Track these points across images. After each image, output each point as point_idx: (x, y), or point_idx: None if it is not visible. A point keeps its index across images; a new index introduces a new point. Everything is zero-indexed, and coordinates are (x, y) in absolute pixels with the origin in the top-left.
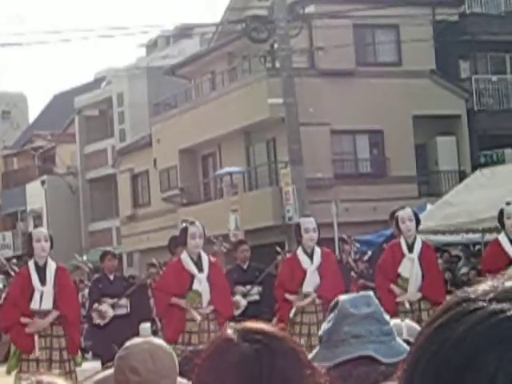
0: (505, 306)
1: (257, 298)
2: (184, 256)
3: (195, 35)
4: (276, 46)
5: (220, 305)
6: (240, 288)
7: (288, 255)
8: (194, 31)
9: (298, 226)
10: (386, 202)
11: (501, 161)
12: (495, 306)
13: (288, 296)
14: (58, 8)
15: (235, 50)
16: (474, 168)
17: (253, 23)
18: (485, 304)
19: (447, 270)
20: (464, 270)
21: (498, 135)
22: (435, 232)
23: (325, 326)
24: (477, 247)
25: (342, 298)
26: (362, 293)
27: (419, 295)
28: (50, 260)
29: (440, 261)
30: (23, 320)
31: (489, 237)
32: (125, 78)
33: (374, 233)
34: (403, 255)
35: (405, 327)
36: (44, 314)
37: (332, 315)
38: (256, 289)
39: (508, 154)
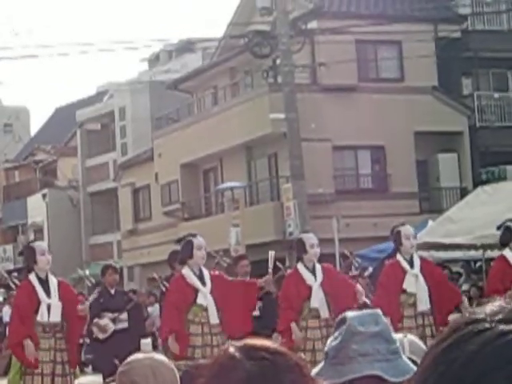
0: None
1: (257, 313)
2: (186, 271)
3: (198, 50)
4: (278, 61)
5: (228, 323)
6: None
7: (288, 271)
8: (196, 46)
9: (301, 241)
10: (387, 217)
11: (502, 178)
12: (504, 326)
13: (293, 327)
14: (61, 21)
15: (237, 64)
16: (476, 185)
17: (255, 38)
18: (493, 325)
19: None
20: (465, 286)
21: (499, 152)
22: (436, 248)
23: (331, 342)
24: (478, 264)
25: (350, 315)
26: (370, 310)
27: (428, 305)
28: (49, 273)
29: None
30: (26, 342)
31: (490, 253)
32: (127, 92)
33: (368, 248)
34: (405, 272)
35: (407, 343)
36: (53, 326)
37: (339, 332)
38: (258, 304)
39: (510, 171)
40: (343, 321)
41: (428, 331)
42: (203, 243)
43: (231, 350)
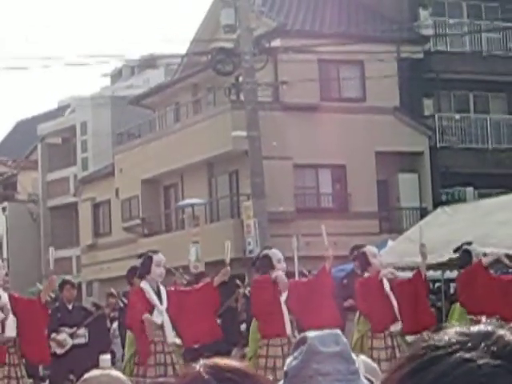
0: (472, 354)
1: None
2: (145, 285)
3: (160, 66)
4: (241, 78)
5: (191, 332)
6: None
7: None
8: (159, 62)
9: (267, 257)
10: (347, 237)
11: (462, 199)
12: (462, 354)
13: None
14: (23, 35)
15: (200, 81)
16: (436, 205)
17: (218, 55)
18: (453, 353)
19: None
20: None
21: (460, 173)
22: (396, 268)
23: (291, 361)
24: (436, 284)
25: (311, 334)
26: (330, 331)
27: (399, 326)
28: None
29: None
30: None
31: (449, 274)
32: (89, 107)
33: (333, 267)
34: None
35: (361, 363)
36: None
37: (298, 351)
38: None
39: (469, 193)
40: (303, 340)
41: (398, 352)
42: (163, 260)
43: (200, 369)
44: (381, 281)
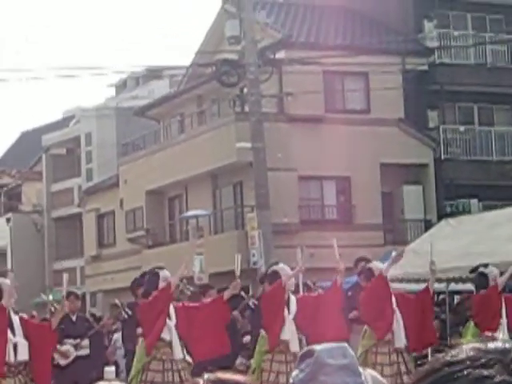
0: (490, 371)
1: None
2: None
3: (165, 77)
4: (246, 90)
5: (200, 348)
6: None
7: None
8: (164, 73)
9: (276, 272)
10: (351, 248)
11: (467, 211)
12: (480, 371)
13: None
14: (28, 46)
15: (205, 93)
16: (440, 217)
17: (223, 67)
18: (470, 369)
19: None
20: None
21: (464, 185)
22: (399, 280)
23: (297, 374)
24: (441, 297)
25: (318, 347)
26: (337, 343)
27: (404, 342)
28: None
29: None
30: None
31: (454, 286)
32: (93, 118)
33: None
34: None
35: (369, 376)
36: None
37: (305, 364)
38: None
39: (474, 205)
40: (310, 353)
41: (403, 368)
42: (168, 276)
43: (202, 383)
44: (386, 284)
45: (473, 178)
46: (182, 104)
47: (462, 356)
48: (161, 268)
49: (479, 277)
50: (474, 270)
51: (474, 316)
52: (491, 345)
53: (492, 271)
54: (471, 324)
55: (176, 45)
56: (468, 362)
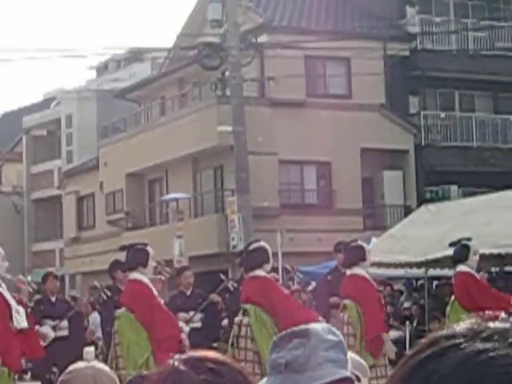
0: (491, 345)
1: (199, 325)
2: (145, 279)
3: (146, 59)
4: (227, 73)
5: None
6: (182, 315)
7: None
8: (145, 55)
9: (265, 250)
10: (330, 233)
11: (446, 197)
12: (482, 344)
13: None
14: (8, 27)
15: (186, 76)
16: (420, 203)
17: (205, 50)
18: (472, 341)
19: (389, 303)
20: (406, 304)
21: (444, 171)
22: (379, 265)
23: (288, 352)
24: (419, 282)
25: (313, 326)
26: (325, 324)
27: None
28: None
29: (382, 294)
30: None
31: (432, 272)
32: (74, 100)
33: (318, 264)
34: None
35: (349, 359)
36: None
37: (296, 342)
38: (198, 316)
39: (453, 191)
40: (302, 332)
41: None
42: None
43: (175, 362)
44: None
45: (453, 164)
46: (164, 87)
47: (462, 329)
48: (146, 245)
49: (461, 248)
50: (455, 243)
51: (457, 296)
52: (490, 322)
53: (474, 245)
54: (456, 303)
55: (158, 27)
56: (468, 336)
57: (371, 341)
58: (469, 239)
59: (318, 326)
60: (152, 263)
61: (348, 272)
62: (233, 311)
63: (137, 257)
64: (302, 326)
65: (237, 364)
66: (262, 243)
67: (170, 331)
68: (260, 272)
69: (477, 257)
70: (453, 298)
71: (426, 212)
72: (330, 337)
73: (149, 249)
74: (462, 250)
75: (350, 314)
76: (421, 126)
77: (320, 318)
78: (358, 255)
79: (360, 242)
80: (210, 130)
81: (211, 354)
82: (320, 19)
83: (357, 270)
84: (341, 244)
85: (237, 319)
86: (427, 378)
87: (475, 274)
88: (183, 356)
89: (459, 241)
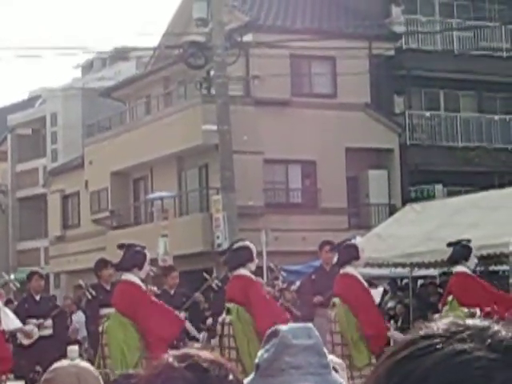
0: (469, 346)
1: None
2: (138, 281)
3: (132, 58)
4: (212, 72)
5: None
6: None
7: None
8: (130, 54)
9: (249, 249)
10: (315, 232)
11: (431, 196)
12: (459, 345)
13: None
14: None
15: (171, 74)
16: (404, 202)
17: (190, 49)
18: (449, 342)
19: None
20: (391, 303)
21: (429, 171)
22: (364, 265)
23: (262, 354)
24: (404, 281)
25: (284, 328)
26: (303, 324)
27: None
28: None
29: None
30: None
31: (417, 271)
32: (59, 98)
33: (303, 263)
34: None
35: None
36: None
37: (270, 344)
38: (182, 315)
39: (438, 190)
40: (275, 333)
41: None
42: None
43: (169, 359)
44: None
45: (438, 163)
46: (149, 85)
47: (440, 330)
48: (144, 247)
49: (462, 248)
50: (455, 243)
51: (453, 292)
52: (470, 321)
53: (473, 247)
54: (454, 302)
55: (143, 26)
56: (445, 336)
57: (371, 338)
58: (469, 240)
59: (290, 328)
60: (147, 267)
61: (341, 271)
62: (217, 310)
63: (134, 258)
64: (275, 327)
65: (229, 364)
66: (247, 242)
67: (169, 330)
68: (244, 271)
69: (475, 259)
70: (450, 297)
71: (410, 211)
72: (301, 341)
73: (147, 252)
74: (463, 251)
75: (338, 311)
76: (406, 126)
77: (297, 319)
78: (351, 254)
79: (353, 241)
80: (195, 129)
81: (206, 352)
82: (305, 18)
83: (349, 269)
84: (326, 243)
85: (220, 318)
86: (404, 379)
87: (474, 275)
88: (177, 352)
89: (459, 241)
